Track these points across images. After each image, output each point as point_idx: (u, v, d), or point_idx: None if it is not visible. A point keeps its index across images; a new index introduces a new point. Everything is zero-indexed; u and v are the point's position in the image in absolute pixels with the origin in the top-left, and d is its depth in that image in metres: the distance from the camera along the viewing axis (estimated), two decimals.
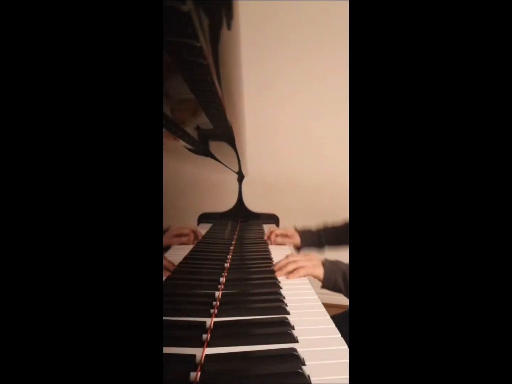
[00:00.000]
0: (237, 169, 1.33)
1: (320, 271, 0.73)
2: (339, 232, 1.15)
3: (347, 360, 0.39)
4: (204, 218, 1.05)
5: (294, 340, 0.43)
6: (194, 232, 0.93)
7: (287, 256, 0.79)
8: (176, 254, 0.78)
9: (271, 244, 1.07)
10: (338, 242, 1.16)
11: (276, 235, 1.11)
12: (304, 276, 0.72)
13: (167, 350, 0.39)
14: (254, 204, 1.37)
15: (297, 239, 1.13)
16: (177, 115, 0.55)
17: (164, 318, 0.46)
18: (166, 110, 0.50)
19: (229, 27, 0.32)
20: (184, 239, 0.89)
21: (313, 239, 1.17)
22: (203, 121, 0.62)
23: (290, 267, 0.73)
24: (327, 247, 1.16)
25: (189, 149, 0.77)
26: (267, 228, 1.30)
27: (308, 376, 0.35)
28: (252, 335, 0.43)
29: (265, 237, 1.11)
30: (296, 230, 1.16)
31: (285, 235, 1.12)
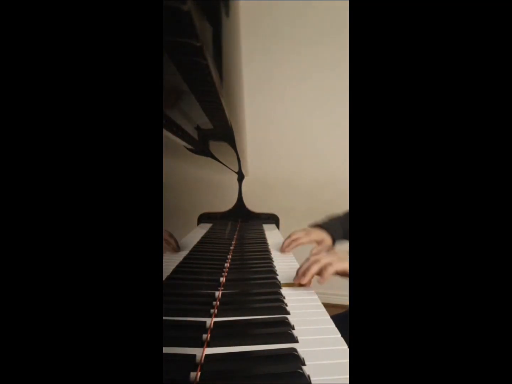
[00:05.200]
0: (237, 169, 1.33)
1: (346, 264, 0.61)
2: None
3: (347, 360, 0.39)
4: (204, 218, 1.05)
5: (294, 340, 0.43)
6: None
7: (308, 259, 0.65)
8: (176, 254, 0.78)
9: (287, 250, 0.91)
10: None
11: (300, 243, 0.92)
12: (335, 273, 0.62)
13: (167, 350, 0.39)
14: (254, 204, 1.37)
15: (329, 240, 0.95)
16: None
17: (164, 318, 0.46)
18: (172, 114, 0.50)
19: (229, 27, 0.32)
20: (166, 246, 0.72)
21: (341, 230, 0.98)
22: (203, 121, 0.62)
23: (315, 269, 0.62)
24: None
25: (189, 149, 0.77)
26: (267, 228, 1.30)
27: (308, 376, 0.35)
28: (252, 335, 0.43)
29: (283, 248, 0.92)
30: (323, 226, 0.98)
31: (313, 241, 0.94)
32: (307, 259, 0.65)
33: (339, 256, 0.63)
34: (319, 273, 0.62)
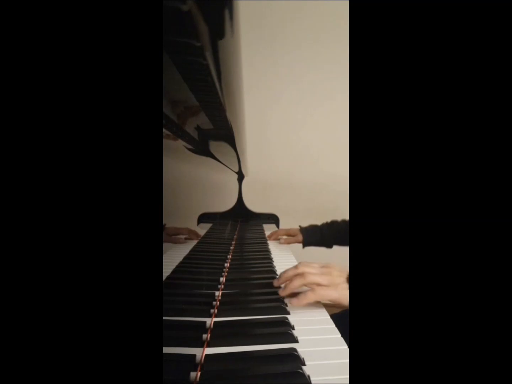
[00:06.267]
0: (237, 169, 1.33)
1: (339, 294, 0.51)
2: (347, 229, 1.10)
3: (347, 360, 0.39)
4: (204, 218, 1.05)
5: (294, 340, 0.43)
6: (192, 232, 0.92)
7: (297, 266, 0.56)
8: (176, 254, 0.78)
9: (270, 239, 1.11)
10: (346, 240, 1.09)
11: (279, 235, 1.12)
12: (313, 301, 0.52)
13: (167, 350, 0.39)
14: (254, 204, 1.37)
15: (300, 237, 1.12)
16: (181, 119, 0.55)
17: (164, 318, 0.46)
18: (172, 115, 0.50)
19: (229, 27, 0.32)
20: (181, 239, 0.83)
21: (318, 236, 1.12)
22: (203, 121, 0.62)
23: (297, 284, 0.53)
24: (335, 246, 1.13)
25: (189, 149, 0.77)
26: (267, 228, 1.31)
27: (308, 376, 0.35)
28: (252, 335, 0.43)
29: (268, 237, 1.12)
30: (300, 228, 1.14)
31: (288, 234, 1.12)
32: (295, 267, 0.57)
33: (331, 280, 0.52)
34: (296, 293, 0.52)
